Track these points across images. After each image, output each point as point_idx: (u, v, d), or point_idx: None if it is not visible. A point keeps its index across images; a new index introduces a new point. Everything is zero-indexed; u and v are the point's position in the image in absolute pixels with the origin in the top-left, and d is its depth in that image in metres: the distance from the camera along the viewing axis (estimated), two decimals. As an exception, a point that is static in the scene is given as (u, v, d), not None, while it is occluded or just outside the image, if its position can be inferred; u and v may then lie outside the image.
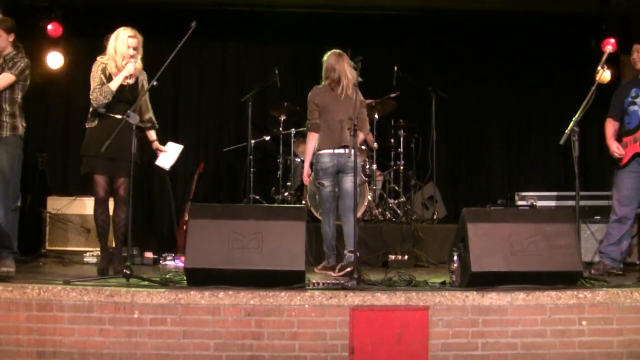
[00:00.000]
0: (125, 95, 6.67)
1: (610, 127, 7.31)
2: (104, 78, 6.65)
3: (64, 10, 9.70)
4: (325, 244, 7.36)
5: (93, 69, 6.74)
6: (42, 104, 10.44)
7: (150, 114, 7.00)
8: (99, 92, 6.57)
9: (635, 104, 7.12)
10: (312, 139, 7.25)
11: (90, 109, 6.74)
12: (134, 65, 6.64)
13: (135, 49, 6.73)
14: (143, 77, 6.91)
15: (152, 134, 7.03)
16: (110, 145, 6.30)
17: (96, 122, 6.69)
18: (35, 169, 9.63)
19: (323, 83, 7.39)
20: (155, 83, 6.33)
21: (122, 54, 6.69)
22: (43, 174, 9.70)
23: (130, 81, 6.70)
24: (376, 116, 9.53)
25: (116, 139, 6.33)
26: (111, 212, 6.87)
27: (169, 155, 6.96)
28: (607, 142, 7.26)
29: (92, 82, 6.68)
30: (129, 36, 6.73)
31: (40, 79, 10.03)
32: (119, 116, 6.55)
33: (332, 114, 7.22)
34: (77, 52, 10.15)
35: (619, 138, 7.22)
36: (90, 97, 6.65)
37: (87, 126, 6.77)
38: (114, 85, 6.58)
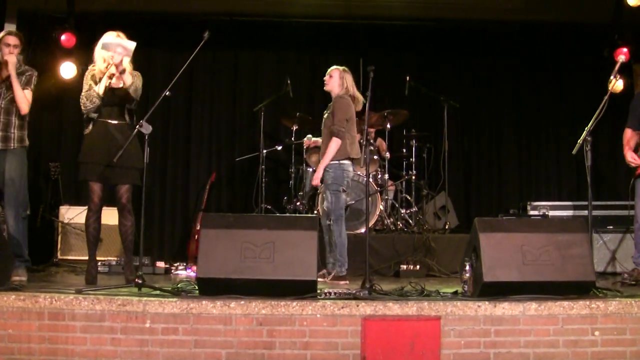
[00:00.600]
0: (117, 99, 6.62)
1: (629, 137, 7.28)
2: (93, 84, 6.58)
3: (78, 21, 9.74)
4: (340, 252, 7.34)
5: (84, 78, 6.72)
6: (54, 114, 10.52)
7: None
8: (86, 96, 6.53)
9: None
10: (338, 146, 7.25)
11: (84, 116, 6.69)
12: (114, 68, 6.51)
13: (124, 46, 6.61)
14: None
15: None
16: (108, 151, 6.36)
17: (90, 127, 6.66)
18: (48, 178, 9.68)
19: (342, 96, 7.48)
20: (168, 93, 6.32)
21: (103, 57, 6.62)
22: (55, 183, 9.74)
23: (119, 83, 6.62)
24: (388, 126, 9.53)
25: (116, 145, 6.36)
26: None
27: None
28: (624, 150, 7.24)
29: (83, 90, 6.64)
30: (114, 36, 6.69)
31: (54, 89, 10.11)
32: (114, 121, 6.62)
33: (353, 126, 7.35)
34: (90, 62, 10.18)
35: (636, 147, 7.19)
36: (80, 103, 6.61)
37: (84, 133, 6.74)
38: (100, 88, 6.51)
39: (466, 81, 11.11)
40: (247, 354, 5.23)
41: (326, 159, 7.30)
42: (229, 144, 10.89)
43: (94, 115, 6.59)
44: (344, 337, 5.24)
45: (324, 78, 7.57)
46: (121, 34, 6.75)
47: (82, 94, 6.59)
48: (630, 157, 7.14)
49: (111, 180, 6.65)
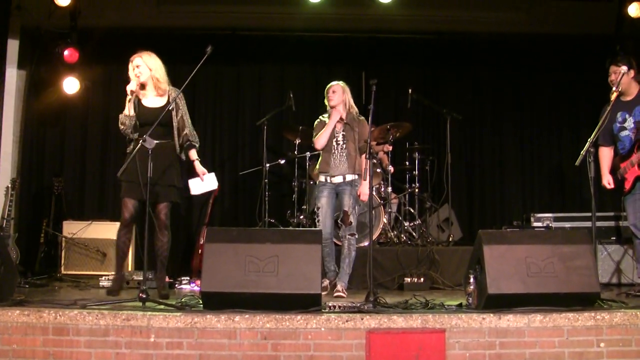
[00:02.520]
0: (154, 117, 6.60)
1: (605, 156, 7.20)
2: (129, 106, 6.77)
3: (81, 36, 9.77)
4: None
5: None
6: (58, 129, 10.53)
7: (186, 131, 6.97)
8: (120, 120, 6.72)
9: (625, 128, 7.02)
10: None
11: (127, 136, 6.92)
12: (134, 84, 6.74)
13: (138, 66, 6.85)
14: (176, 95, 6.82)
15: (192, 154, 7.00)
16: (147, 171, 6.39)
17: (131, 146, 6.82)
18: (52, 193, 9.69)
19: (360, 115, 7.65)
20: (171, 107, 6.39)
21: (130, 77, 6.82)
22: (59, 198, 9.75)
23: (156, 103, 6.83)
24: (391, 139, 9.52)
25: (154, 163, 6.41)
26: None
27: (203, 184, 7.04)
28: (601, 171, 7.16)
29: None
30: (131, 59, 6.89)
31: (57, 104, 10.14)
32: (154, 141, 6.61)
33: None
34: (93, 77, 10.25)
35: (616, 165, 7.13)
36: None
37: (127, 151, 6.93)
38: (126, 110, 6.69)
39: (468, 93, 11.10)
40: (252, 368, 5.23)
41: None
42: (232, 158, 10.89)
43: (134, 135, 6.78)
44: (349, 350, 5.23)
45: (328, 95, 7.60)
46: (141, 53, 6.95)
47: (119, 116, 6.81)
48: (606, 181, 7.06)
49: (151, 198, 6.66)
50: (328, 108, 7.63)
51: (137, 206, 6.81)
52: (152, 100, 6.90)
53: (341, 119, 7.51)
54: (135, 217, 6.86)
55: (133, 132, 6.76)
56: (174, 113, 6.85)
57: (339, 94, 7.54)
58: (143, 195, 6.60)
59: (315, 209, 7.51)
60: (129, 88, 6.70)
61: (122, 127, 6.72)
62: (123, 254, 6.98)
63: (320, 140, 7.51)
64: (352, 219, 7.32)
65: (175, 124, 6.88)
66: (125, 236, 6.88)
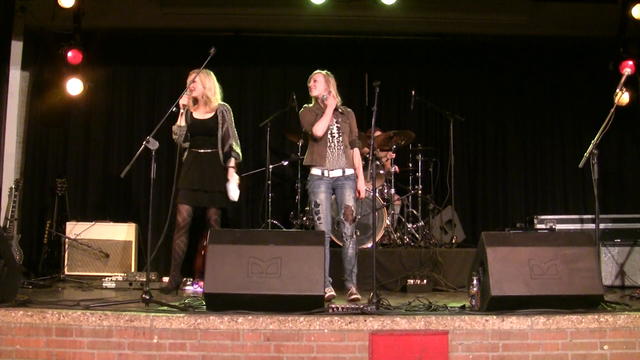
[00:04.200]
0: (203, 129, 7.28)
1: None
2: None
3: (84, 38, 9.76)
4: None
5: None
6: (61, 130, 10.52)
7: (231, 141, 7.39)
8: (173, 129, 7.19)
9: None
10: None
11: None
12: (185, 98, 7.09)
13: (194, 81, 7.20)
14: (223, 109, 7.40)
15: (230, 162, 7.35)
16: (199, 178, 7.08)
17: (185, 155, 7.31)
18: (55, 194, 9.69)
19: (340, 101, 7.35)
20: (174, 109, 6.42)
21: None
22: (62, 199, 9.74)
23: (205, 115, 7.30)
24: (394, 147, 9.48)
25: (202, 171, 7.12)
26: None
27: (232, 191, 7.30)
28: None
29: None
30: (190, 72, 7.28)
31: (60, 106, 10.13)
32: (202, 150, 7.27)
33: None
34: (96, 78, 10.23)
35: None
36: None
37: (183, 159, 7.39)
38: (178, 121, 7.14)
39: (471, 95, 11.09)
40: (255, 370, 5.22)
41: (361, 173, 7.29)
42: (235, 159, 10.88)
43: (185, 144, 7.29)
44: (352, 352, 5.23)
45: (309, 84, 7.34)
46: (196, 71, 7.18)
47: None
48: None
49: (202, 204, 7.29)
50: (312, 99, 7.38)
51: (190, 211, 7.30)
52: (202, 113, 7.36)
53: (336, 108, 7.20)
54: (190, 222, 7.34)
55: (184, 141, 7.26)
56: (219, 124, 7.31)
57: (320, 83, 7.24)
58: (197, 201, 7.24)
59: (313, 205, 7.12)
60: (181, 102, 7.00)
61: (175, 136, 7.16)
62: (177, 257, 7.37)
63: (321, 125, 7.08)
64: (355, 214, 7.05)
65: (219, 134, 7.32)
66: (180, 239, 7.32)
